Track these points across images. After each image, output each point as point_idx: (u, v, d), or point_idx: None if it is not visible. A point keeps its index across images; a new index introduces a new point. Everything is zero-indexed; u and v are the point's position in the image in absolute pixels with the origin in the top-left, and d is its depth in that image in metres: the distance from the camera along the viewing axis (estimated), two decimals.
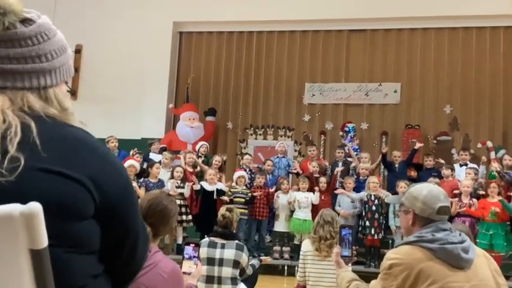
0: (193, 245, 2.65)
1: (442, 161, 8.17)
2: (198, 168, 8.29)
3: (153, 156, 8.75)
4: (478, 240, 6.60)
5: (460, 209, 6.97)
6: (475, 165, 7.81)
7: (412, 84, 10.14)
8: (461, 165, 7.94)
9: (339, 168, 8.16)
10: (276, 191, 7.91)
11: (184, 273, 2.48)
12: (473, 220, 6.90)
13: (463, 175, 7.52)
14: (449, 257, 1.95)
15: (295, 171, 8.49)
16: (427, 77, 10.07)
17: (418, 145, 8.14)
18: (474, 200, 6.99)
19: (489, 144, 8.68)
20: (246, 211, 7.58)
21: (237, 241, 4.03)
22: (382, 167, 8.97)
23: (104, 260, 1.10)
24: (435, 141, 9.61)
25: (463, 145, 8.98)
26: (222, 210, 4.14)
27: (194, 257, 2.60)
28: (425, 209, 2.06)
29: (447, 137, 9.39)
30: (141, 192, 7.07)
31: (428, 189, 2.10)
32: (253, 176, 8.29)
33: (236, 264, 3.93)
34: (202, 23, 10.88)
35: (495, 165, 7.30)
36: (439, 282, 1.90)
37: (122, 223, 1.12)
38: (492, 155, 8.36)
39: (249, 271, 4.12)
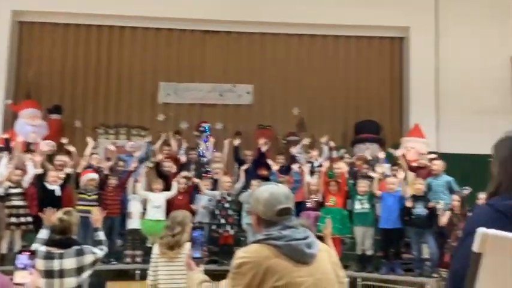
0: (27, 253, 2.39)
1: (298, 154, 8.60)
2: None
3: None
4: (319, 223, 7.13)
5: (310, 205, 7.53)
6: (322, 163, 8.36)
7: (263, 87, 10.56)
8: (308, 162, 8.44)
9: (189, 173, 8.14)
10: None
11: (17, 284, 2.22)
12: (318, 213, 7.45)
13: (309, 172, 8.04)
14: (294, 253, 2.01)
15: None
16: (277, 80, 10.57)
17: (263, 148, 8.47)
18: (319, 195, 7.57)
19: (331, 143, 9.37)
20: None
21: (75, 247, 3.75)
22: (236, 166, 9.17)
23: None
24: (284, 141, 10.13)
25: (309, 145, 9.59)
26: (60, 213, 3.82)
27: (29, 266, 2.35)
28: (266, 212, 2.12)
29: (295, 137, 9.94)
30: None
31: (270, 192, 2.15)
32: (105, 175, 7.87)
33: (80, 270, 3.71)
34: (46, 13, 10.07)
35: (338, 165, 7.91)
36: (285, 278, 1.96)
37: None
38: (334, 154, 9.04)
39: (102, 252, 3.92)
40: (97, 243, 4.04)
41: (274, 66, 10.60)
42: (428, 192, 7.30)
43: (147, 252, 7.28)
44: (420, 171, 7.86)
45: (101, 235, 4.18)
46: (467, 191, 7.28)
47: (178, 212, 4.08)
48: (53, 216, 4.03)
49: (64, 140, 8.37)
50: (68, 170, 7.46)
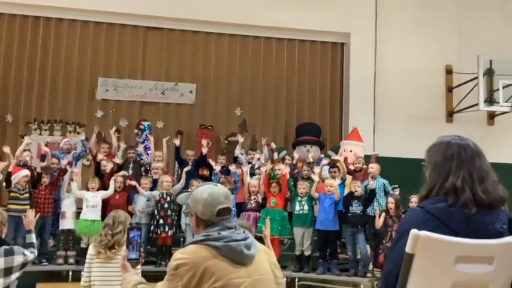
0: None
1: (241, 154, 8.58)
2: None
3: None
4: (259, 224, 7.21)
5: (250, 205, 7.58)
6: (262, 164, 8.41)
7: (206, 86, 10.49)
8: (249, 163, 8.47)
9: (126, 173, 7.94)
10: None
11: None
12: (257, 214, 7.48)
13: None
14: (233, 254, 2.00)
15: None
16: (220, 80, 10.53)
17: (204, 150, 8.40)
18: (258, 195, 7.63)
19: (273, 145, 9.47)
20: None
21: (4, 247, 3.57)
22: (177, 166, 9.05)
23: None
24: (226, 142, 10.12)
25: (250, 146, 9.63)
26: None
27: None
28: (206, 212, 2.10)
29: (237, 138, 9.94)
30: None
31: (209, 192, 2.13)
32: (38, 173, 7.52)
33: (8, 271, 3.52)
34: None
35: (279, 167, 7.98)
36: (222, 280, 1.94)
37: None
38: (275, 155, 9.13)
39: (32, 255, 3.74)
40: (28, 245, 3.85)
41: (217, 66, 10.56)
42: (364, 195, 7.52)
43: (81, 253, 7.05)
44: (357, 174, 8.09)
45: (33, 237, 4.00)
46: (397, 190, 7.58)
47: (120, 212, 3.96)
48: None
49: None
50: None
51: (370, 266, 7.38)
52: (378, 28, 10.64)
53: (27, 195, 6.99)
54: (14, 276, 3.57)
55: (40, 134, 9.68)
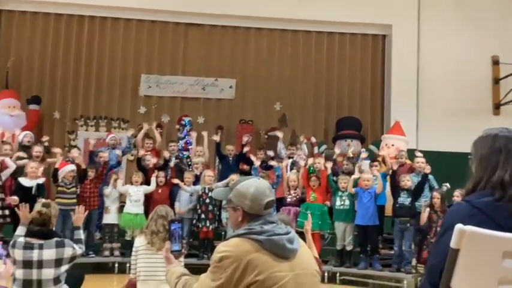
0: (0, 242, 2.36)
1: (271, 153, 8.58)
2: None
3: None
4: (299, 219, 7.18)
5: (290, 200, 7.58)
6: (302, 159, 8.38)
7: (246, 81, 10.54)
8: (289, 158, 8.47)
9: (172, 162, 8.07)
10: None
11: None
12: (297, 209, 7.48)
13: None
14: (275, 248, 2.01)
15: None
16: (260, 75, 10.56)
17: (245, 149, 8.42)
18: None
19: (313, 139, 9.42)
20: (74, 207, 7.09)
21: (55, 238, 3.72)
22: (217, 160, 9.15)
23: None
24: (266, 136, 10.14)
25: (290, 140, 9.62)
26: (38, 206, 3.78)
27: (2, 255, 2.31)
28: (253, 206, 2.11)
29: (277, 132, 9.94)
30: None
31: (255, 186, 2.14)
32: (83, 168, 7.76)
33: (58, 262, 3.67)
34: (26, 1, 9.88)
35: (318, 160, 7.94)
36: (265, 273, 1.96)
37: None
38: (315, 150, 9.09)
39: (80, 251, 3.90)
40: (76, 241, 3.99)
41: (257, 61, 10.59)
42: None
43: (126, 245, 7.25)
44: (401, 168, 7.94)
45: (81, 234, 4.14)
46: (446, 187, 7.39)
47: (162, 207, 4.09)
48: (27, 212, 3.98)
49: (45, 139, 8.18)
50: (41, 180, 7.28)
51: (414, 262, 7.25)
52: (421, 19, 10.39)
53: (73, 189, 7.22)
54: (64, 268, 3.71)
55: (86, 130, 10.00)
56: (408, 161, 8.05)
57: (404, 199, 7.20)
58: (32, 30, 10.13)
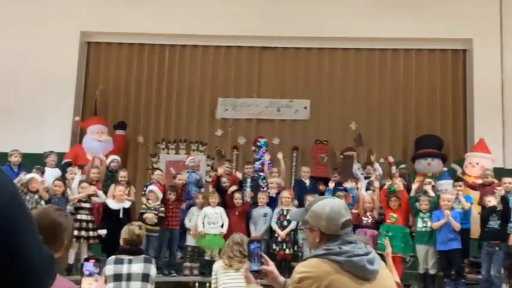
0: (93, 260, 2.52)
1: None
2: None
3: (48, 171, 8.16)
4: (379, 241, 6.95)
5: (366, 222, 7.38)
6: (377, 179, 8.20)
7: (320, 101, 10.51)
8: (365, 178, 8.31)
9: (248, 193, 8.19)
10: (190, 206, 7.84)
11: None
12: (374, 232, 7.27)
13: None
14: (355, 269, 1.99)
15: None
16: (334, 95, 10.50)
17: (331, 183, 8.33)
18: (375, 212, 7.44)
19: (390, 159, 9.18)
20: (158, 228, 7.39)
21: (144, 255, 3.90)
22: (293, 181, 9.16)
23: None
24: (342, 156, 10.02)
25: (366, 160, 9.43)
26: (136, 229, 3.97)
27: (95, 273, 2.47)
28: (330, 227, 2.09)
29: (353, 152, 9.81)
30: None
31: (330, 206, 2.12)
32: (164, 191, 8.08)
33: (146, 277, 3.81)
34: (112, 34, 10.56)
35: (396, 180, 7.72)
36: None
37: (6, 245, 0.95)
38: (393, 169, 8.84)
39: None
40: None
41: (331, 80, 10.55)
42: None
43: (205, 265, 7.41)
44: (486, 188, 7.52)
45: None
46: None
47: (237, 234, 4.21)
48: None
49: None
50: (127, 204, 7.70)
51: (504, 287, 6.79)
52: (503, 30, 9.90)
53: (162, 209, 7.52)
54: (150, 286, 3.85)
55: (167, 153, 10.42)
56: (496, 180, 7.62)
57: (494, 222, 6.81)
58: (118, 60, 10.78)
